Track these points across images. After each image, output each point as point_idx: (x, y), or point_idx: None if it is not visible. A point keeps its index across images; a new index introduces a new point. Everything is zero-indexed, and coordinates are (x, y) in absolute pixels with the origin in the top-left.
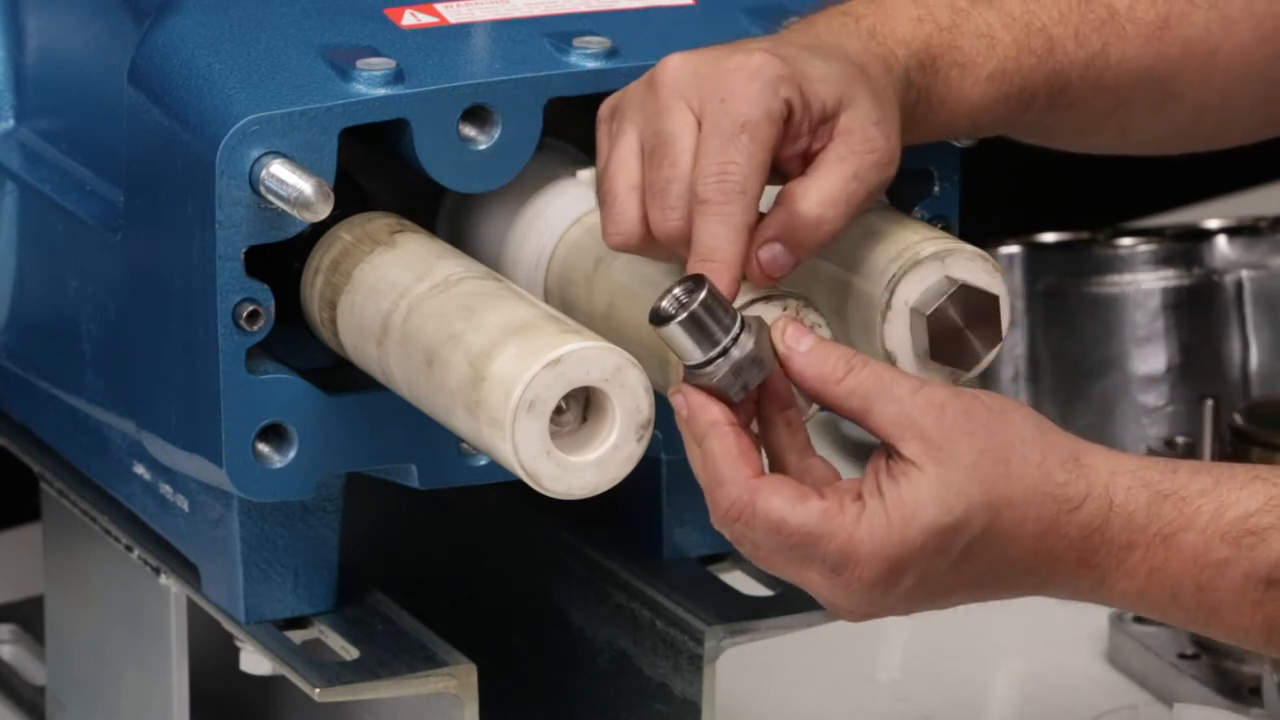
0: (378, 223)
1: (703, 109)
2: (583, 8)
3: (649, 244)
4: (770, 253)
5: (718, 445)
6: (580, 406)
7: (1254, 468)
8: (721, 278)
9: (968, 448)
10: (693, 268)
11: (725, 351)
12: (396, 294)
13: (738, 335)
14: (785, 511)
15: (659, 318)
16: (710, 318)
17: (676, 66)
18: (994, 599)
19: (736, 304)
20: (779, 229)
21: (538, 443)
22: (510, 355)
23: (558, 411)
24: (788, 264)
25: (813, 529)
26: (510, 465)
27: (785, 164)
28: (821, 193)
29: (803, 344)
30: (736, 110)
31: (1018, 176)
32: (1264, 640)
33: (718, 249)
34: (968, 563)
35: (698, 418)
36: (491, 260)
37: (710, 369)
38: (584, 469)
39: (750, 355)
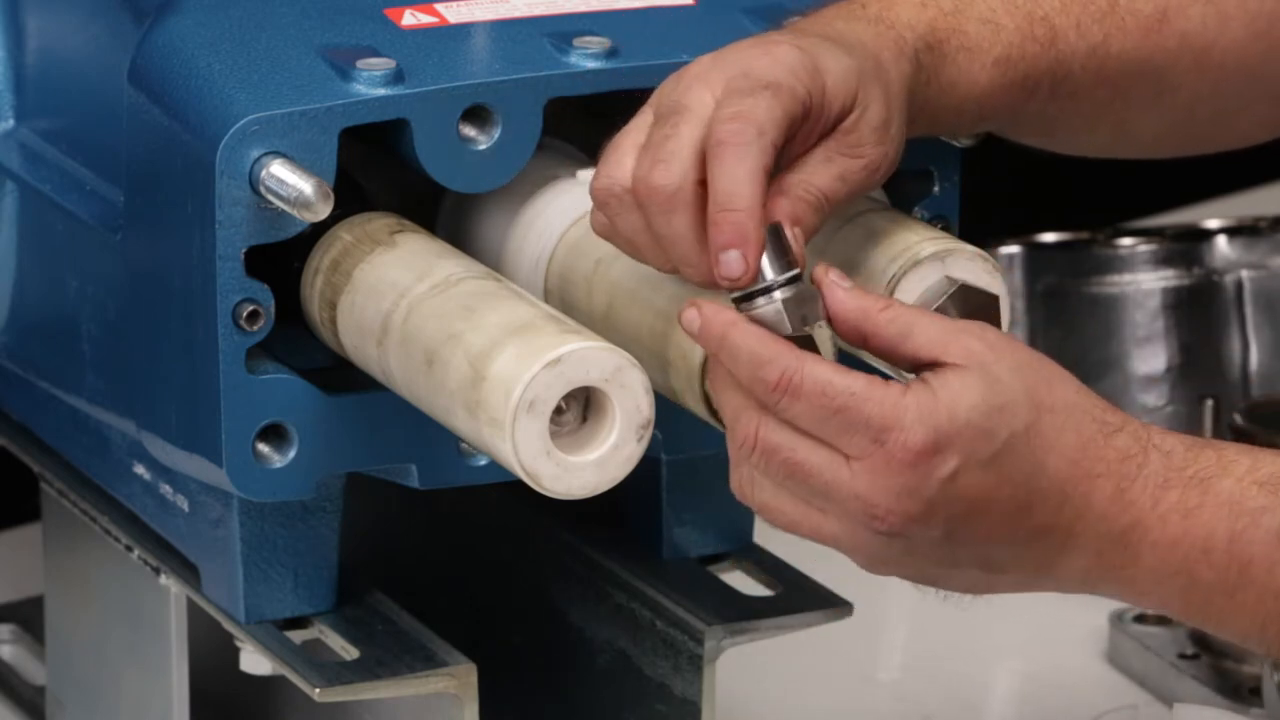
0: (378, 223)
1: (724, 85)
2: (583, 8)
3: (628, 202)
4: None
5: (749, 333)
6: (580, 407)
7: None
8: (746, 228)
9: (1011, 359)
10: (712, 217)
11: (795, 278)
12: (396, 294)
13: (800, 271)
14: (832, 376)
15: None
16: (779, 242)
17: (702, 59)
18: (1025, 537)
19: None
20: None
21: (538, 443)
22: (510, 355)
23: (558, 411)
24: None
25: (859, 395)
26: (510, 465)
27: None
28: (806, 184)
29: (845, 282)
30: (759, 74)
31: (1018, 176)
32: None
33: (737, 194)
34: (1007, 460)
35: (714, 319)
36: (491, 260)
37: (779, 293)
38: (584, 469)
39: (811, 291)
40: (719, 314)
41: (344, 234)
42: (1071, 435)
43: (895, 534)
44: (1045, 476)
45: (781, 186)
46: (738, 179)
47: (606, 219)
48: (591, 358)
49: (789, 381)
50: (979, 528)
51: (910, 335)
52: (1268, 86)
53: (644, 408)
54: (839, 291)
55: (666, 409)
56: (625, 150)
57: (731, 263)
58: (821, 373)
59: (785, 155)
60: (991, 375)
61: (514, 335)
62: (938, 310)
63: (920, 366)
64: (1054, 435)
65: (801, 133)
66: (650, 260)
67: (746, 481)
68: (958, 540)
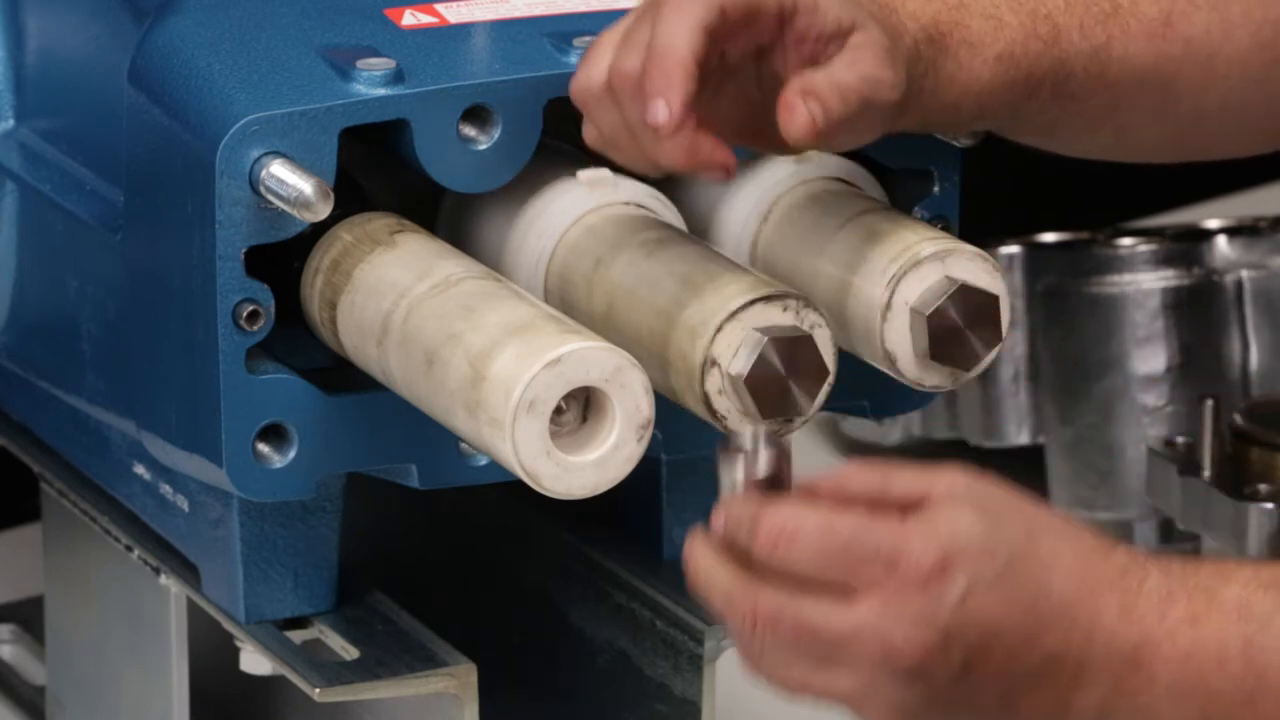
0: (378, 223)
1: None
2: (583, 8)
3: (606, 99)
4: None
5: (734, 503)
6: (580, 406)
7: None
8: (674, 76)
9: (993, 488)
10: (649, 67)
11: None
12: (396, 294)
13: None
14: (829, 513)
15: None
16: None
17: None
18: (1038, 666)
19: (734, 305)
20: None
21: (538, 443)
22: (510, 355)
23: (558, 411)
24: (820, 118)
25: (862, 521)
26: (510, 465)
27: (789, 68)
28: (832, 78)
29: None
30: None
31: (1018, 176)
32: None
33: (671, 45)
34: (1011, 580)
35: (695, 548)
36: (491, 260)
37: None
38: (584, 469)
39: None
40: (698, 541)
41: (344, 234)
42: (1070, 552)
43: (914, 672)
44: (1051, 597)
45: (805, 77)
46: (674, 31)
47: (591, 122)
48: (591, 357)
49: (787, 530)
50: (993, 657)
51: (889, 486)
52: (1273, 99)
53: (644, 407)
54: (810, 518)
55: (666, 409)
56: (604, 49)
57: (658, 110)
58: (819, 512)
59: (789, 59)
60: (980, 500)
61: (514, 335)
62: (937, 310)
63: (905, 509)
64: (1053, 553)
65: (792, 35)
66: (631, 159)
67: (755, 656)
68: (975, 674)
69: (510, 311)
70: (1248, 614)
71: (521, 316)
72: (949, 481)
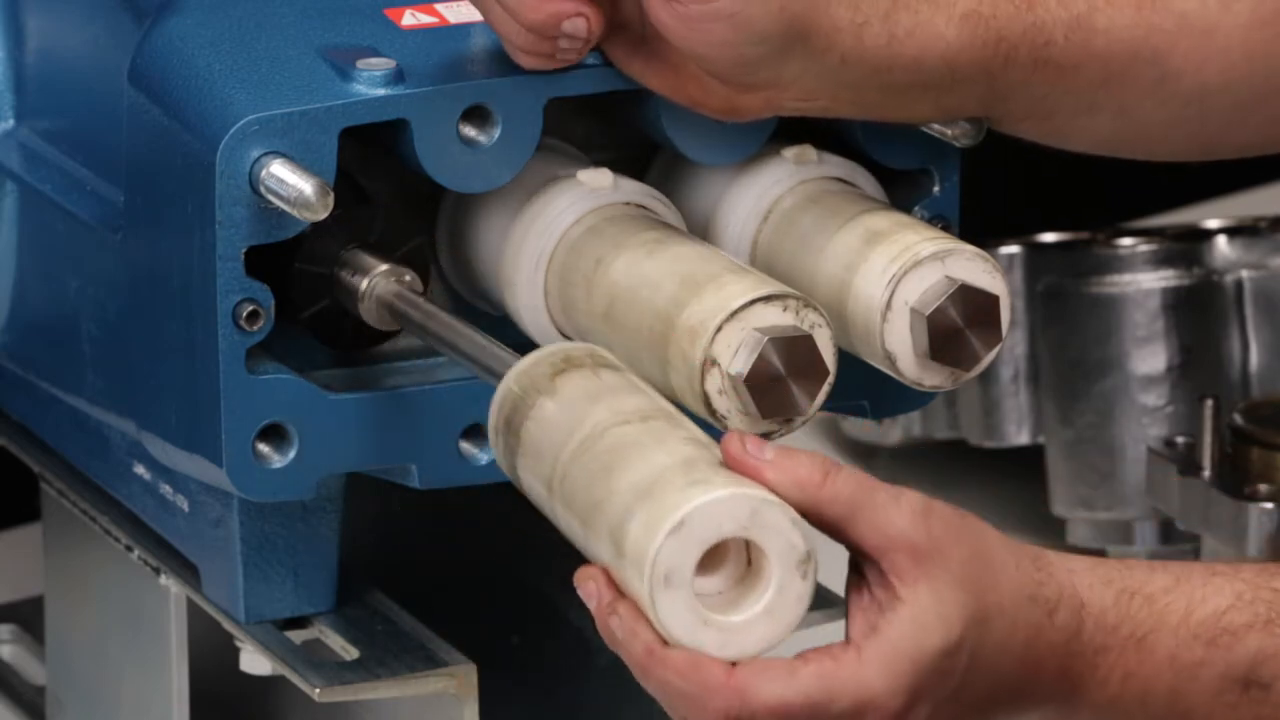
0: (543, 365)
1: None
2: None
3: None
4: None
5: (674, 665)
6: (741, 554)
7: (1210, 565)
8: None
9: (956, 556)
10: None
11: None
12: (552, 457)
13: None
14: (783, 690)
15: None
16: None
17: None
18: None
19: (734, 305)
20: None
21: (688, 616)
22: (639, 525)
23: (709, 571)
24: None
25: (818, 695)
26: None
27: None
28: None
29: (766, 452)
30: None
31: (1018, 177)
32: None
33: None
34: (967, 690)
35: (631, 645)
36: (492, 260)
37: None
38: (752, 626)
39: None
40: (634, 634)
41: (513, 385)
42: (1021, 632)
43: None
44: (1003, 685)
45: None
46: None
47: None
48: (720, 511)
49: (738, 713)
50: None
51: (853, 523)
52: (1274, 77)
53: (798, 543)
54: (768, 467)
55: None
56: None
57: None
58: (771, 693)
59: None
60: (940, 597)
61: (642, 499)
62: (937, 311)
63: (861, 555)
64: (1005, 638)
65: None
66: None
67: None
68: None
69: (645, 464)
70: (1178, 663)
71: (654, 468)
72: (909, 548)
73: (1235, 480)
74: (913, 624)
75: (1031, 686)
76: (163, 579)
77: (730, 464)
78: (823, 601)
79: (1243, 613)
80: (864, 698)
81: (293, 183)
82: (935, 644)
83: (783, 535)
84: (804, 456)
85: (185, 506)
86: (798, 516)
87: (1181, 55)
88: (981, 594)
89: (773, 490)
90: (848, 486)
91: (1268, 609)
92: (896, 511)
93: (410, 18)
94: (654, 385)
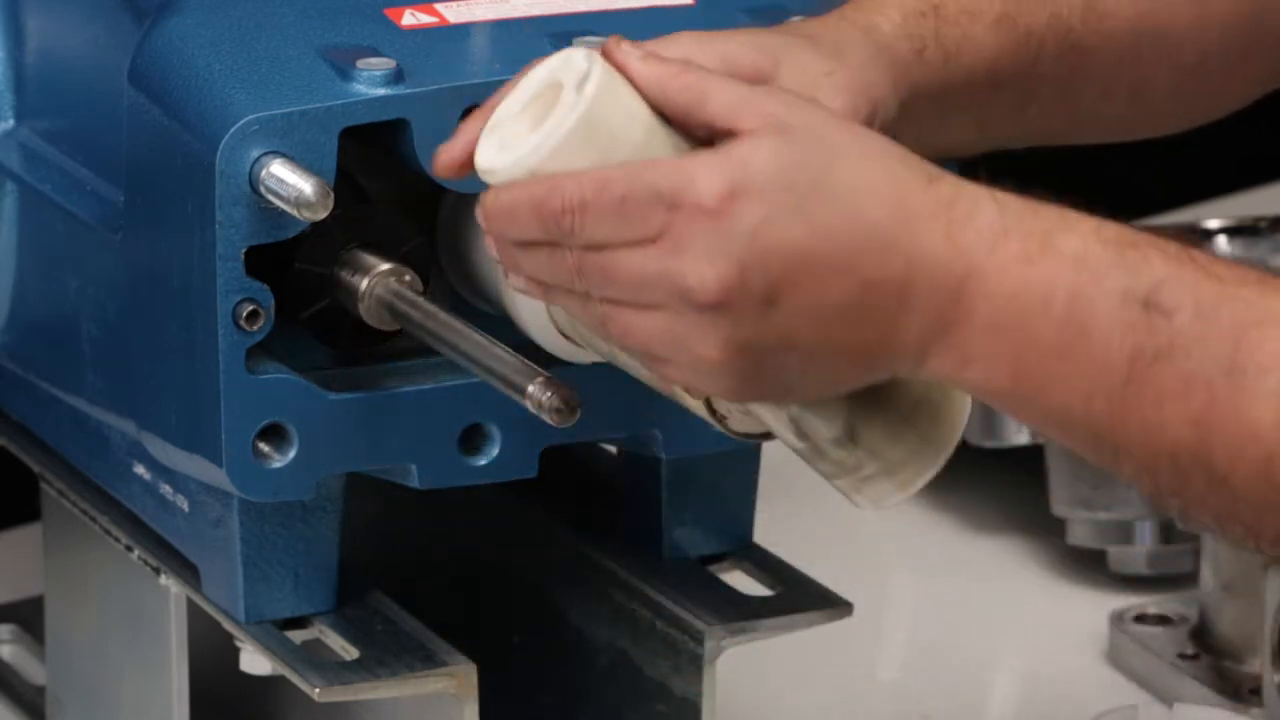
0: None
1: None
2: (583, 8)
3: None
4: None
5: (517, 188)
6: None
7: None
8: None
9: (813, 114)
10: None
11: None
12: None
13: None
14: (608, 171)
15: None
16: None
17: None
18: (856, 292)
19: None
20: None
21: (490, 147)
22: None
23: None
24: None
25: (636, 169)
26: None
27: None
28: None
29: (637, 51)
30: None
31: (1019, 177)
32: (1122, 380)
33: None
34: (817, 208)
35: (489, 199)
36: (491, 261)
37: None
38: (529, 134)
39: None
40: (491, 194)
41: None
42: (886, 180)
43: (715, 306)
44: (864, 223)
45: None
46: None
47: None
48: (541, 64)
49: (572, 201)
50: (802, 288)
51: (705, 103)
52: (1265, 30)
53: (580, 62)
54: (634, 63)
55: (667, 409)
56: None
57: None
58: (596, 174)
59: None
60: (787, 130)
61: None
62: None
63: (717, 135)
64: (865, 180)
65: None
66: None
67: (599, 318)
68: (783, 305)
69: None
70: (1083, 264)
71: None
72: (759, 109)
73: None
74: (750, 143)
75: (910, 247)
76: (163, 579)
77: (606, 59)
78: (823, 601)
79: (1150, 245)
80: (681, 180)
81: (293, 183)
82: (767, 154)
83: (575, 68)
84: (670, 55)
85: (185, 506)
86: (598, 56)
87: (1183, 26)
88: (836, 139)
89: (636, 84)
90: (703, 77)
91: (1178, 251)
92: (750, 89)
93: (410, 18)
94: (654, 385)
